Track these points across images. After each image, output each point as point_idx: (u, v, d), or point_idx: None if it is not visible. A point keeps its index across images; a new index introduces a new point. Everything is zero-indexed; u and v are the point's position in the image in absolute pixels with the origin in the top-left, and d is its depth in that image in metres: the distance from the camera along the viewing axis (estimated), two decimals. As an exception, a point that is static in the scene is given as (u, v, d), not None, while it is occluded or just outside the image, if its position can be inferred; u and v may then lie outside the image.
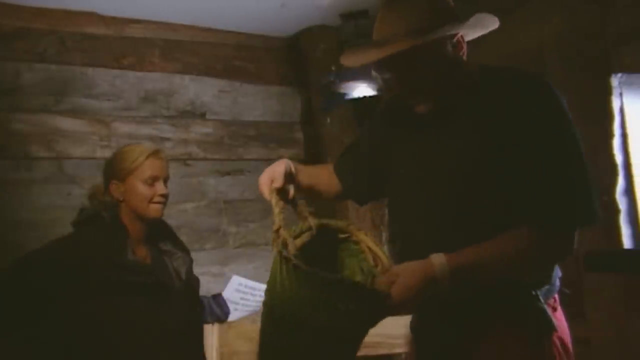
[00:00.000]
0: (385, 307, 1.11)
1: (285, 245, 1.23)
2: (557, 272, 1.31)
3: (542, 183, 1.16)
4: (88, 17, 2.58)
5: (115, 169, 1.71)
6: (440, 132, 1.29)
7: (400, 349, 2.39)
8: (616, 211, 1.98)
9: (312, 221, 1.34)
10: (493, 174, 1.20)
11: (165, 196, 1.72)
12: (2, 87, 2.38)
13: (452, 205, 1.25)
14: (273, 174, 1.37)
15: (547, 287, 1.26)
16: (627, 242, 1.98)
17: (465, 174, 1.23)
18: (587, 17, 2.06)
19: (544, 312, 1.21)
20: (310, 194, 1.60)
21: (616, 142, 2.00)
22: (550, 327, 1.21)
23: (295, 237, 1.31)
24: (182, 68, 2.80)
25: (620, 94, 2.01)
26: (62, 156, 2.46)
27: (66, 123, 2.48)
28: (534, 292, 1.22)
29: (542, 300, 1.22)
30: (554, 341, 1.23)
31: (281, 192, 1.37)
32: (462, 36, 1.27)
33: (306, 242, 1.33)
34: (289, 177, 1.41)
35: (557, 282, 1.31)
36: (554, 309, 1.28)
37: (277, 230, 1.23)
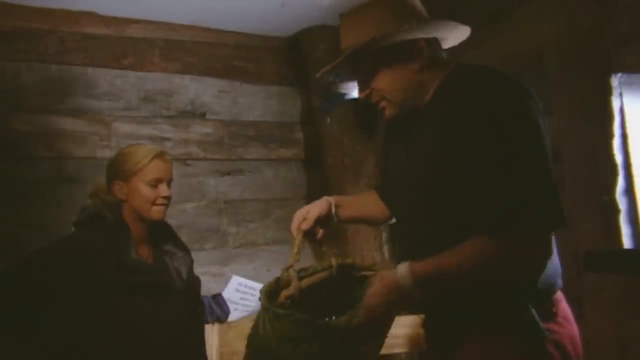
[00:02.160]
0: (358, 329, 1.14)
1: (284, 286, 1.29)
2: (554, 271, 1.27)
3: (494, 187, 1.11)
4: (88, 17, 2.58)
5: (119, 169, 1.71)
6: (413, 137, 1.32)
7: (400, 349, 2.39)
8: (616, 211, 1.98)
9: (333, 261, 1.38)
10: (452, 179, 1.18)
11: (168, 198, 1.73)
12: (3, 87, 2.38)
13: (426, 208, 1.27)
14: (306, 215, 1.42)
15: (541, 290, 1.22)
16: (627, 242, 1.98)
17: (431, 178, 1.24)
18: (587, 17, 2.06)
19: (532, 319, 1.18)
20: (356, 222, 1.64)
21: (616, 142, 2.00)
22: (538, 335, 1.18)
23: (310, 275, 1.36)
24: (182, 68, 2.79)
25: (620, 94, 2.01)
26: (62, 156, 2.45)
27: (66, 123, 2.48)
28: (521, 301, 1.19)
29: (530, 307, 1.19)
30: (547, 349, 1.20)
31: (309, 233, 1.43)
32: (422, 42, 1.27)
33: (321, 280, 1.36)
34: (325, 220, 1.46)
35: (557, 285, 1.28)
36: (552, 315, 1.24)
37: (287, 269, 1.29)
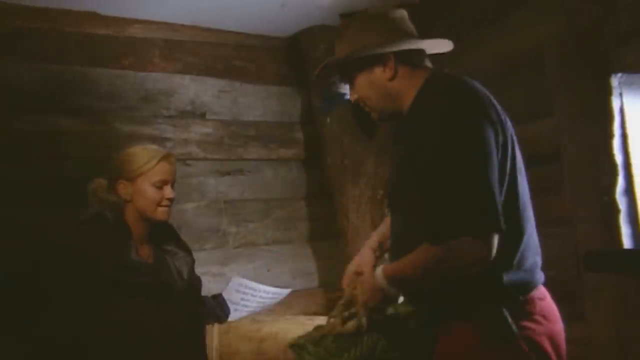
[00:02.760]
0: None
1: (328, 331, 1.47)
2: (530, 269, 1.32)
3: (431, 197, 1.22)
4: (88, 17, 2.58)
5: (124, 169, 1.72)
6: (397, 143, 1.46)
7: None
8: (616, 211, 1.98)
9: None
10: (409, 185, 1.32)
11: (172, 200, 1.74)
12: (3, 87, 2.38)
13: (399, 213, 1.41)
14: (359, 269, 1.53)
15: (515, 288, 1.28)
16: (627, 242, 1.98)
17: (399, 185, 1.38)
18: (587, 17, 2.06)
19: (501, 317, 1.24)
20: None
21: (616, 142, 2.00)
22: (508, 332, 1.24)
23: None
24: (182, 68, 2.79)
25: (620, 94, 2.01)
26: (62, 156, 2.45)
27: (66, 123, 2.48)
28: (493, 299, 1.25)
29: (502, 305, 1.25)
30: (518, 345, 1.24)
31: None
32: (391, 55, 1.37)
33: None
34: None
35: (533, 283, 1.32)
36: (528, 312, 1.28)
37: (332, 316, 1.48)
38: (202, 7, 2.63)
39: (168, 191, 1.73)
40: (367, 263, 1.56)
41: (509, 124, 1.33)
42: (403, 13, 1.45)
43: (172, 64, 2.77)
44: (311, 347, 1.38)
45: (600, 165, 2.02)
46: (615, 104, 2.00)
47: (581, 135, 2.09)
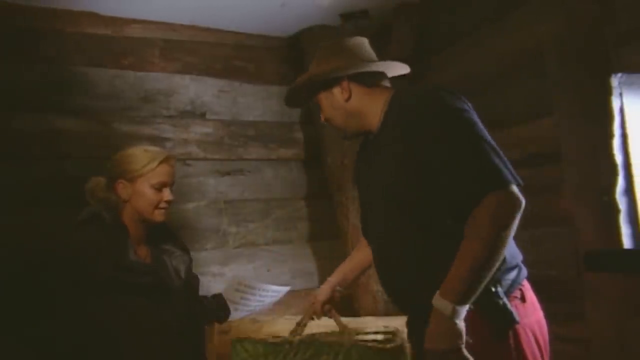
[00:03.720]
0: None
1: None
2: (516, 257, 1.40)
3: (456, 175, 1.29)
4: (88, 17, 2.58)
5: (124, 169, 1.72)
6: (373, 157, 1.52)
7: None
8: (616, 211, 1.98)
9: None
10: (411, 188, 1.37)
11: (170, 202, 1.74)
12: (2, 87, 2.38)
13: (388, 223, 1.45)
14: (314, 301, 1.81)
15: (510, 277, 1.35)
16: (627, 242, 1.98)
17: (389, 193, 1.43)
18: (587, 17, 2.06)
19: (504, 306, 1.30)
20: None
21: (616, 142, 2.00)
22: (511, 320, 1.30)
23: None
24: (182, 68, 2.79)
25: (620, 94, 2.01)
26: (62, 156, 2.45)
27: (66, 123, 2.48)
28: (493, 289, 1.31)
29: (502, 295, 1.31)
30: (519, 332, 1.32)
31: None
32: (345, 79, 1.52)
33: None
34: (331, 299, 1.81)
35: (522, 271, 1.41)
36: (521, 300, 1.37)
37: (292, 333, 1.78)
38: (202, 7, 2.64)
39: (167, 194, 1.73)
40: (320, 296, 1.79)
41: None
42: (360, 40, 1.59)
43: (172, 63, 2.77)
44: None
45: (600, 165, 2.02)
46: (615, 104, 2.00)
47: (581, 135, 2.09)
